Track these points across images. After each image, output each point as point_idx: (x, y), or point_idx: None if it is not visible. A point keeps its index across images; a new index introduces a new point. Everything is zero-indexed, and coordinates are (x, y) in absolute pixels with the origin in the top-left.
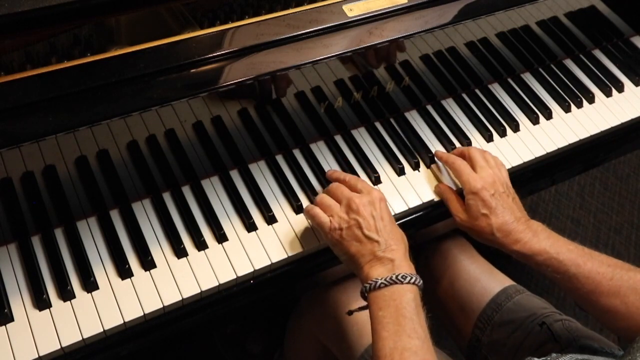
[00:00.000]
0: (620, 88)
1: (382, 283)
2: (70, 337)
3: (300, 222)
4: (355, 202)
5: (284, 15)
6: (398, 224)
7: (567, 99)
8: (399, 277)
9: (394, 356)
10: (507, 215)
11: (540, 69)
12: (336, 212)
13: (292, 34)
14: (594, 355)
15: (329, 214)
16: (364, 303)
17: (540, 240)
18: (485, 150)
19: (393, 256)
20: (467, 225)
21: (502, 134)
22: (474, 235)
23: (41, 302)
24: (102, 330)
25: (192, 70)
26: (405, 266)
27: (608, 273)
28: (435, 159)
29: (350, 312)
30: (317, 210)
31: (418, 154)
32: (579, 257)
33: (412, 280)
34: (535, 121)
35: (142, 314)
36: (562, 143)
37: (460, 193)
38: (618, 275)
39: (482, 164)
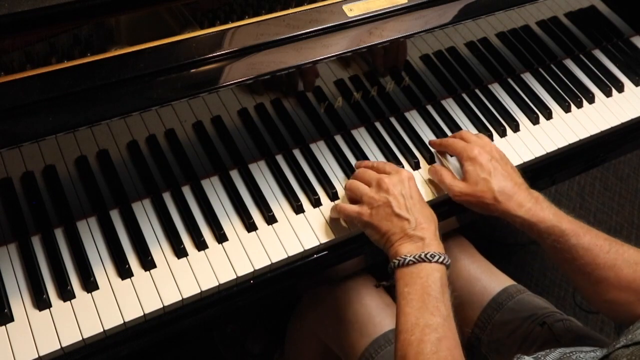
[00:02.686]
0: (620, 88)
1: (410, 260)
2: (70, 337)
3: (301, 222)
4: (384, 181)
5: (284, 15)
6: None
7: (567, 99)
8: (428, 256)
9: (414, 331)
10: (507, 180)
11: (540, 69)
12: (366, 193)
13: (292, 34)
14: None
15: (359, 195)
16: (374, 303)
17: (543, 208)
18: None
19: (423, 234)
20: (467, 192)
21: (502, 134)
22: (476, 205)
23: (41, 302)
24: (102, 330)
25: (192, 70)
26: (434, 245)
27: (605, 246)
28: (431, 148)
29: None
30: (346, 205)
31: (418, 153)
32: (579, 229)
33: (441, 260)
34: (535, 121)
35: (142, 314)
36: (562, 143)
37: None
38: (614, 249)
39: (474, 139)
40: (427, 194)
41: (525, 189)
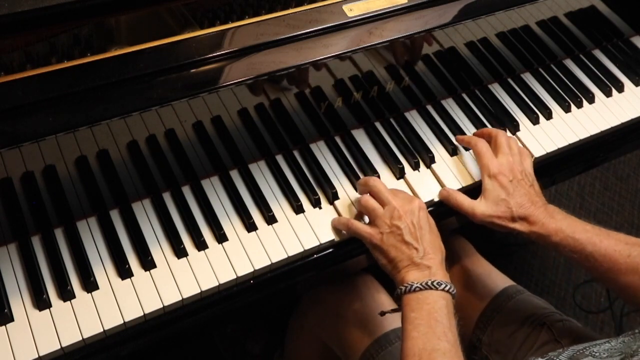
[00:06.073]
0: (620, 88)
1: (417, 287)
2: (70, 337)
3: (300, 222)
4: (398, 210)
5: (284, 15)
6: None
7: (567, 99)
8: (434, 284)
9: (422, 356)
10: (525, 200)
11: (540, 69)
12: (379, 216)
13: (292, 34)
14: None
15: (373, 216)
16: (375, 303)
17: (556, 220)
18: (511, 137)
19: (430, 264)
20: (488, 214)
21: None
22: (494, 225)
23: (41, 302)
24: (102, 330)
25: (192, 70)
26: (440, 274)
27: (625, 250)
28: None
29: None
30: (358, 224)
31: (418, 154)
32: (594, 236)
33: (447, 288)
34: (535, 121)
35: (142, 314)
36: (562, 143)
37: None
38: (635, 252)
39: (505, 151)
40: (428, 194)
41: (541, 205)
